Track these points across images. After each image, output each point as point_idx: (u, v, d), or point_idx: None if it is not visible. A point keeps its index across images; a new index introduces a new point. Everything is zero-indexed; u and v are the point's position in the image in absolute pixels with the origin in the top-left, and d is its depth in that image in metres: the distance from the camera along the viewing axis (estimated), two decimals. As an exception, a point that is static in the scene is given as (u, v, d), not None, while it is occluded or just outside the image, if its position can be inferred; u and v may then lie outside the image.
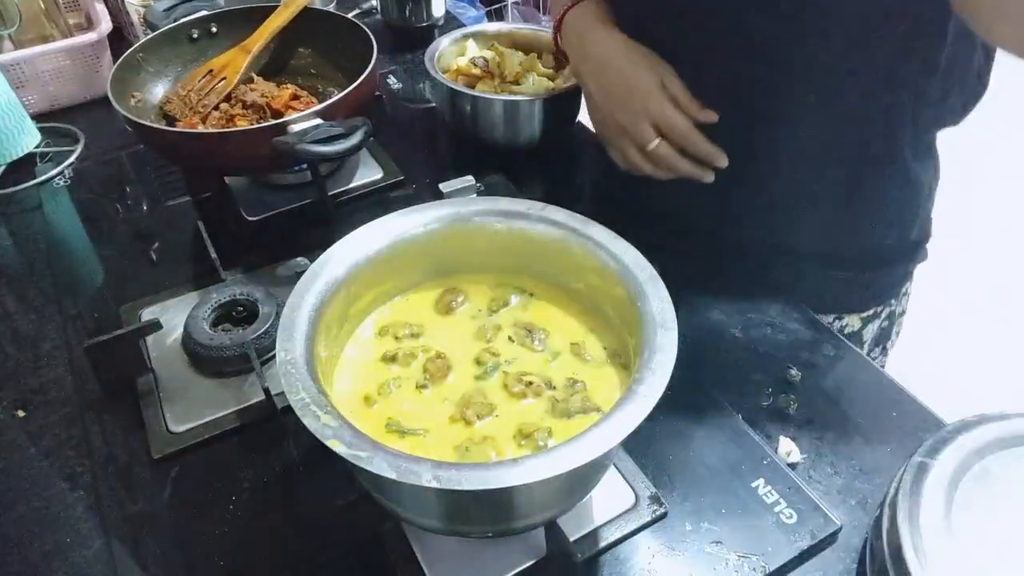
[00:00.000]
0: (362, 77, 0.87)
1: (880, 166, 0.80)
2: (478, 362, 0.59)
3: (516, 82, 1.00)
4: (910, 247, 0.91)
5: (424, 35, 1.28)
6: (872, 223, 0.85)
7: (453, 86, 0.98)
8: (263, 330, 0.72)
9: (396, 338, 0.61)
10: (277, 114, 0.94)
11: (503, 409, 0.55)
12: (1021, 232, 2.52)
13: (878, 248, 0.88)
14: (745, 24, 0.73)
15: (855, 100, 0.75)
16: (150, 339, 0.76)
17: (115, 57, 0.97)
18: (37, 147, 1.06)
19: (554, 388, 0.57)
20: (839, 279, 0.88)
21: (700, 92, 0.79)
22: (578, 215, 0.61)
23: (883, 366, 1.01)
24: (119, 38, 1.26)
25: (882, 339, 0.97)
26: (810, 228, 0.84)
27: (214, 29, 1.02)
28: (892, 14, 0.69)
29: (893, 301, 0.95)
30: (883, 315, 0.94)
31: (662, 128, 0.77)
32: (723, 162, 0.77)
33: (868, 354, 0.97)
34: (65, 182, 1.03)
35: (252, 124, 0.92)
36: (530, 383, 0.56)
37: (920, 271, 0.95)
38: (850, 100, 0.75)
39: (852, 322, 0.92)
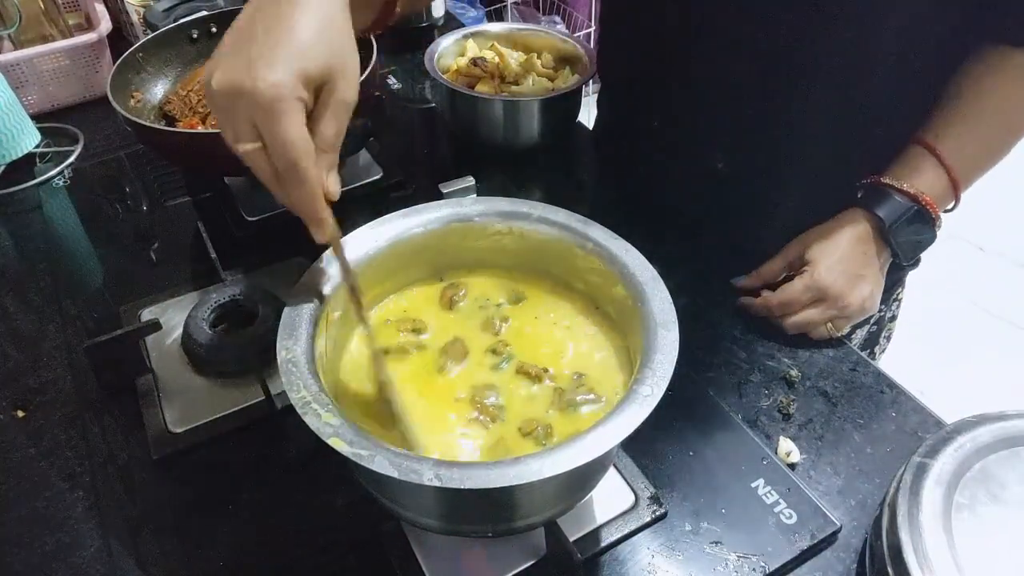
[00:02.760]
0: (362, 77, 0.86)
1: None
2: (481, 358, 0.58)
3: (516, 82, 1.00)
4: None
5: (424, 35, 1.28)
6: None
7: (453, 86, 0.98)
8: (263, 330, 0.72)
9: (398, 332, 0.61)
10: (277, 114, 0.94)
11: (509, 407, 0.55)
12: (1020, 232, 2.52)
13: None
14: (772, 21, 0.73)
15: (869, 119, 0.76)
16: (150, 339, 0.76)
17: (115, 57, 0.97)
18: (37, 147, 1.06)
19: (558, 384, 0.57)
20: None
21: (720, 94, 0.78)
22: (578, 215, 0.61)
23: None
24: (119, 38, 1.26)
25: (870, 343, 0.97)
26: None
27: (214, 29, 1.02)
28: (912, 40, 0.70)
29: (883, 306, 0.94)
30: (871, 320, 0.94)
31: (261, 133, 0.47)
32: (317, 236, 0.50)
33: None
34: (65, 182, 1.03)
35: (252, 124, 0.92)
36: (539, 372, 0.57)
37: (917, 273, 0.95)
38: (864, 118, 0.76)
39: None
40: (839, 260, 0.74)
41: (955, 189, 0.74)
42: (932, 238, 0.75)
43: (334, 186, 0.49)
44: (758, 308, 0.77)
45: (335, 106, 0.48)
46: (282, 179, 0.47)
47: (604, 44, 0.97)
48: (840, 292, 0.73)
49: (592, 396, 0.55)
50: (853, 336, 0.93)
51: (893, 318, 0.99)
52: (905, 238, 0.74)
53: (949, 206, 0.76)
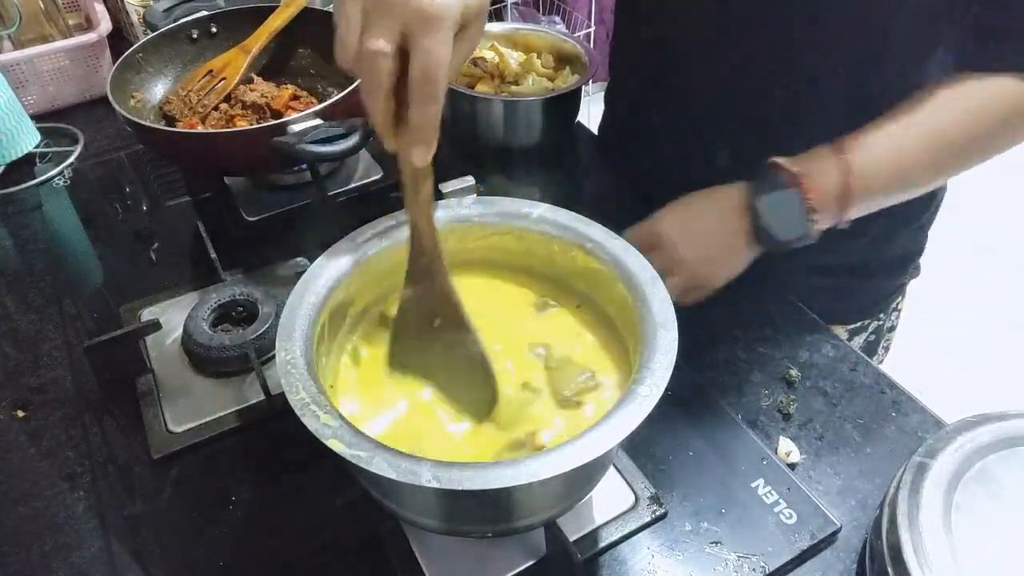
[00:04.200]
0: (362, 77, 0.87)
1: None
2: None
3: (516, 82, 1.00)
4: (900, 261, 0.90)
5: (424, 35, 1.28)
6: (868, 238, 0.84)
7: (453, 86, 0.98)
8: (263, 330, 0.72)
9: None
10: (277, 114, 0.94)
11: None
12: (1020, 232, 2.52)
13: (871, 261, 0.87)
14: (778, 22, 0.72)
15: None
16: (150, 339, 0.76)
17: (115, 57, 0.97)
18: (37, 147, 1.06)
19: (554, 388, 0.57)
20: (825, 287, 0.86)
21: (722, 93, 0.78)
22: (578, 215, 0.61)
23: None
24: (119, 38, 1.26)
25: (868, 353, 0.96)
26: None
27: (214, 29, 1.02)
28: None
29: (882, 315, 0.93)
30: (870, 329, 0.93)
31: (409, 41, 0.46)
32: (419, 159, 0.49)
33: None
34: (65, 182, 1.03)
35: (252, 124, 0.92)
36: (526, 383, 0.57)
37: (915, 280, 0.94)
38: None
39: (839, 333, 0.90)
40: (685, 208, 0.72)
41: (847, 196, 0.69)
42: (803, 232, 0.70)
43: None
44: None
45: (465, 47, 0.49)
46: (413, 92, 0.46)
47: (616, 38, 0.97)
48: (673, 242, 0.70)
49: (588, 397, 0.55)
50: (851, 344, 0.92)
51: (892, 328, 0.98)
52: (771, 216, 0.70)
53: (836, 216, 0.70)
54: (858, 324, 0.92)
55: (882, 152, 0.69)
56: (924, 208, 0.87)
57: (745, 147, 0.81)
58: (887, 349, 1.00)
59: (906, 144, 0.69)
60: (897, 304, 0.95)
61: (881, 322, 0.94)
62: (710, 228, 0.71)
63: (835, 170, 0.68)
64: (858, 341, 0.93)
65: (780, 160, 0.70)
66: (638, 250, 0.61)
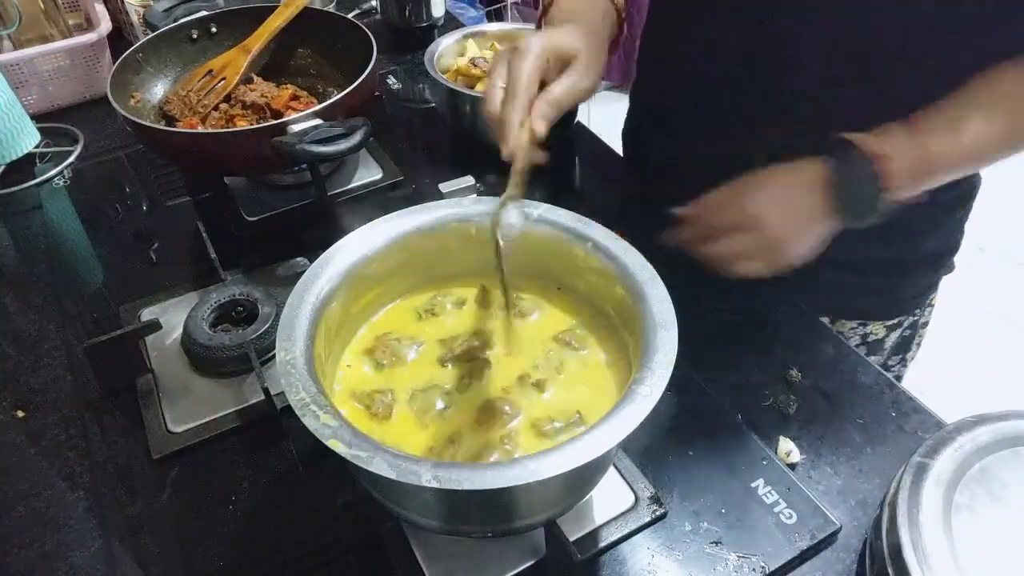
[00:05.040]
0: (362, 77, 0.87)
1: None
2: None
3: (516, 82, 1.00)
4: (938, 257, 0.89)
5: (424, 35, 1.28)
6: (905, 234, 0.82)
7: (453, 86, 0.98)
8: (263, 330, 0.72)
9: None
10: (277, 114, 0.94)
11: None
12: (1020, 232, 2.52)
13: (907, 257, 0.86)
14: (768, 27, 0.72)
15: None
16: (150, 339, 0.76)
17: (115, 57, 0.97)
18: (37, 147, 1.06)
19: (550, 388, 0.57)
20: (863, 285, 0.86)
21: (714, 94, 0.77)
22: (578, 215, 0.61)
23: (901, 376, 0.99)
24: (119, 38, 1.26)
25: (902, 348, 0.95)
26: (840, 237, 0.82)
27: (214, 29, 1.02)
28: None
29: (918, 311, 0.93)
30: (906, 324, 0.93)
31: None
32: (506, 150, 0.65)
33: (887, 362, 0.95)
34: (64, 182, 1.03)
35: (252, 124, 0.92)
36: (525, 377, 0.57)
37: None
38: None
39: (876, 330, 0.90)
40: (773, 184, 0.70)
41: (921, 176, 0.68)
42: (876, 209, 0.68)
43: (539, 126, 0.64)
44: (680, 231, 0.72)
45: (566, 79, 0.65)
46: (504, 95, 0.65)
47: (641, 36, 0.97)
48: (765, 222, 0.68)
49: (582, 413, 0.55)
50: (887, 340, 0.92)
51: (925, 324, 0.97)
52: (850, 195, 0.68)
53: (909, 193, 0.69)
54: (896, 320, 0.92)
55: (957, 130, 0.67)
56: (967, 198, 0.85)
57: (736, 144, 0.81)
58: (919, 345, 0.99)
59: (980, 120, 0.67)
60: (931, 299, 0.94)
61: (916, 317, 0.93)
62: (798, 204, 0.68)
63: (912, 151, 0.67)
64: (894, 337, 0.92)
65: (855, 138, 0.68)
66: (716, 227, 0.70)
